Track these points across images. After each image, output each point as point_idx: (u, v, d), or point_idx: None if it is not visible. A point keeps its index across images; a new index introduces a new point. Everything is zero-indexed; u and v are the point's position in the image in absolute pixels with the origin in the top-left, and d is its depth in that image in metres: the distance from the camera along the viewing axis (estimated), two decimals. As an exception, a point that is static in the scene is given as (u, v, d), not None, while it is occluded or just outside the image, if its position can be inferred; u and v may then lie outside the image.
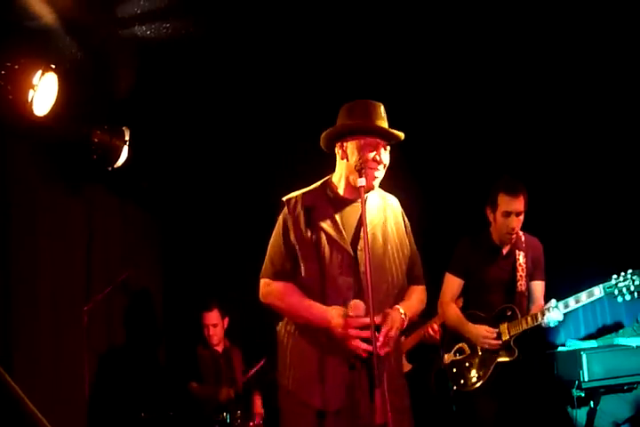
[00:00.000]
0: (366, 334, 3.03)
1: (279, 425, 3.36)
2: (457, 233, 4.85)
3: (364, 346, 3.05)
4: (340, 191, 3.34)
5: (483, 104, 5.60)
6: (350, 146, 3.25)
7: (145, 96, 5.22)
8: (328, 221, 3.24)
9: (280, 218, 3.37)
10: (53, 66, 4.41)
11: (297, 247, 3.26)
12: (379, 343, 3.06)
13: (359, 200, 3.21)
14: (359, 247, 3.21)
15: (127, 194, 5.99)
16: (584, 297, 4.14)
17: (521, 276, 4.50)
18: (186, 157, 6.03)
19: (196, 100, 5.44)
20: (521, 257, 4.53)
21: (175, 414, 5.42)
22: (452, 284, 4.67)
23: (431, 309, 5.14)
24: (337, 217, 3.26)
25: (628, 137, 5.37)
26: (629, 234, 5.28)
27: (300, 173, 3.56)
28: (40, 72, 4.32)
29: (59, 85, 4.48)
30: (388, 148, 3.28)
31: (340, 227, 3.24)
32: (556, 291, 4.37)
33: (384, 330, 3.13)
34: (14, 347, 4.57)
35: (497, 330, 4.43)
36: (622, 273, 4.05)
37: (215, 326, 5.88)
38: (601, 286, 4.09)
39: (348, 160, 3.25)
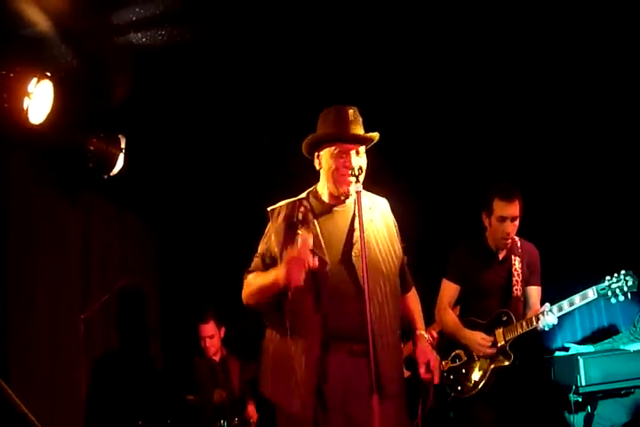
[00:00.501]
0: (303, 261, 3.01)
1: None
2: (452, 239, 4.86)
3: (296, 274, 2.99)
4: (325, 199, 3.36)
5: (479, 110, 5.60)
6: (324, 155, 3.31)
7: (141, 104, 5.22)
8: (306, 230, 3.22)
9: (267, 229, 3.40)
10: (49, 74, 4.43)
11: (278, 258, 3.27)
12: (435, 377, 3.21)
13: (343, 206, 3.32)
14: (354, 254, 3.22)
15: (123, 202, 5.99)
16: (578, 300, 4.15)
17: (517, 281, 4.51)
18: (181, 165, 6.03)
19: (192, 108, 5.43)
20: (517, 262, 4.54)
21: (173, 421, 5.41)
22: (449, 290, 4.67)
23: (428, 316, 5.16)
24: (319, 226, 3.27)
25: (622, 141, 5.38)
26: (621, 237, 5.28)
27: (297, 180, 3.55)
28: (35, 80, 4.33)
29: (54, 93, 4.49)
30: (362, 150, 3.29)
31: (319, 236, 3.23)
32: (552, 296, 4.37)
33: (432, 365, 3.22)
34: (11, 354, 4.57)
35: (492, 338, 4.43)
36: (615, 274, 4.07)
37: (212, 337, 5.86)
38: (594, 287, 4.10)
39: (324, 169, 3.32)
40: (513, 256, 4.56)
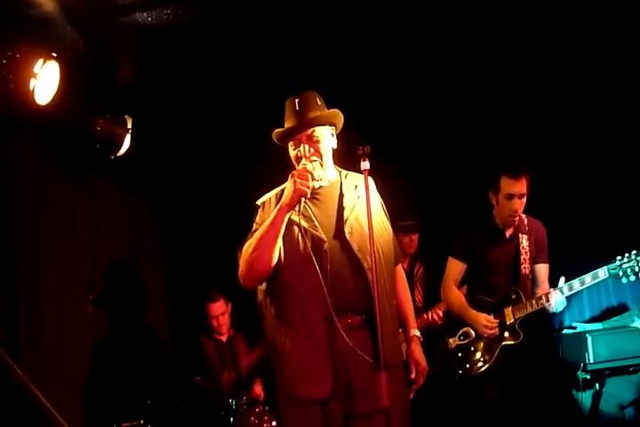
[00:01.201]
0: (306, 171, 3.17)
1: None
2: (459, 217, 4.86)
3: (304, 182, 3.13)
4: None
5: (487, 86, 5.58)
6: (289, 149, 3.43)
7: (147, 84, 5.22)
8: (300, 214, 3.24)
9: (256, 222, 3.42)
10: (55, 54, 4.41)
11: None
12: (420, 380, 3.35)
13: (330, 185, 3.40)
14: (346, 231, 3.26)
15: (130, 183, 5.99)
16: (589, 279, 4.15)
17: (524, 259, 4.51)
18: (188, 145, 6.02)
19: (198, 87, 5.42)
20: (524, 240, 4.54)
21: (181, 401, 5.44)
22: (455, 268, 4.68)
23: (436, 294, 5.17)
24: (309, 208, 3.30)
25: (630, 119, 5.35)
26: (633, 216, 5.27)
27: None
28: (41, 61, 4.32)
29: (60, 74, 4.47)
30: (318, 133, 3.35)
31: (312, 216, 3.28)
32: (562, 274, 4.36)
33: (420, 370, 3.36)
34: (20, 336, 4.59)
35: (497, 320, 4.44)
36: (626, 254, 4.06)
37: (223, 314, 5.90)
38: (605, 267, 4.10)
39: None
40: (520, 234, 4.55)
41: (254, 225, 3.41)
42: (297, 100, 3.38)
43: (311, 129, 3.35)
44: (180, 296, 6.49)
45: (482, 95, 5.65)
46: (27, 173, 4.84)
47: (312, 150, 3.33)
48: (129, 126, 5.17)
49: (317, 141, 3.35)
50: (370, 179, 3.44)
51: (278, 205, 3.21)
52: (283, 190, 3.38)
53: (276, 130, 3.41)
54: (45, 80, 4.37)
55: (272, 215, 3.21)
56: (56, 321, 4.97)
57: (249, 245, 3.27)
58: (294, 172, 3.23)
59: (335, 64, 5.22)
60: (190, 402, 5.54)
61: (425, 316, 5.35)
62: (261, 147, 5.93)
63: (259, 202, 3.48)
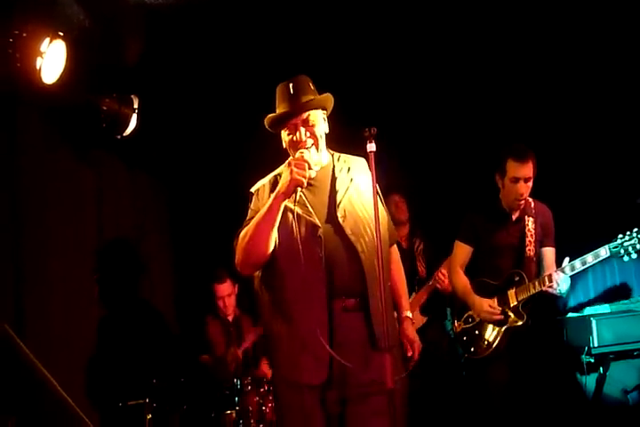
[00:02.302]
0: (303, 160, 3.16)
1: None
2: (465, 201, 4.85)
3: (301, 171, 3.13)
4: None
5: (491, 70, 5.56)
6: (282, 134, 3.39)
7: (153, 64, 5.20)
8: (293, 201, 3.24)
9: (251, 209, 3.42)
10: (61, 33, 4.40)
11: None
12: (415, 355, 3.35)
13: (322, 169, 3.37)
14: (339, 215, 3.26)
15: (136, 162, 5.98)
16: (590, 258, 4.15)
17: (530, 241, 4.50)
18: (194, 125, 6.00)
19: (205, 67, 5.41)
20: (530, 223, 4.53)
21: (186, 380, 5.47)
22: (462, 251, 4.68)
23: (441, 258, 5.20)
24: (303, 193, 3.28)
25: (633, 102, 5.31)
26: (634, 197, 5.25)
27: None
28: (48, 40, 4.32)
29: (67, 53, 4.47)
30: (313, 117, 3.33)
31: (306, 202, 3.27)
32: (566, 255, 4.36)
33: (414, 347, 3.37)
34: (26, 315, 4.61)
35: (500, 308, 4.44)
36: (627, 232, 4.07)
37: (230, 295, 5.92)
38: (607, 246, 4.10)
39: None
40: (526, 217, 4.55)
41: (249, 212, 3.41)
42: (291, 85, 3.36)
43: (307, 113, 3.33)
44: (186, 276, 6.50)
45: (489, 78, 5.63)
46: (33, 151, 4.84)
47: (308, 134, 3.32)
48: (135, 106, 5.16)
49: (313, 125, 3.33)
50: (362, 159, 3.45)
51: (274, 194, 3.20)
52: (276, 177, 3.39)
53: (270, 115, 3.37)
54: (52, 59, 4.37)
55: (267, 203, 3.21)
56: (62, 300, 4.99)
57: (245, 234, 3.28)
58: (291, 160, 3.23)
59: (338, 47, 5.20)
60: (195, 382, 5.57)
61: (430, 283, 5.36)
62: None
63: (252, 189, 3.48)
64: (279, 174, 3.40)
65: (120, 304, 5.75)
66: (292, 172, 3.13)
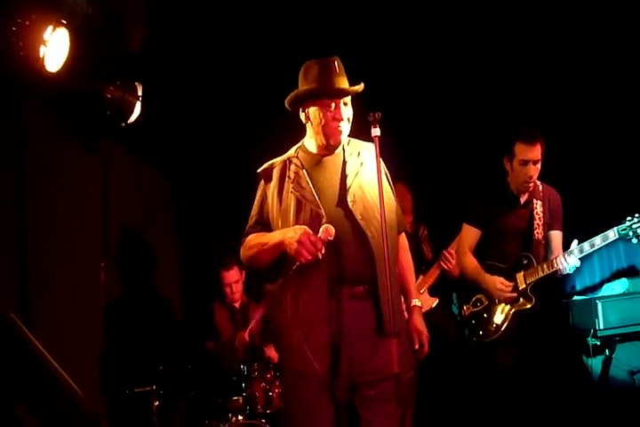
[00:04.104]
0: (316, 248, 3.08)
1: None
2: (474, 184, 4.85)
3: (307, 255, 3.07)
4: (313, 150, 3.43)
5: (499, 53, 5.55)
6: (311, 110, 3.35)
7: (157, 51, 5.19)
8: (299, 185, 3.29)
9: (258, 190, 3.46)
10: (64, 21, 4.38)
11: (271, 216, 3.35)
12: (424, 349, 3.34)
13: (333, 155, 3.39)
14: (349, 199, 3.26)
15: (141, 150, 5.99)
16: (599, 240, 4.15)
17: (538, 224, 4.51)
18: (199, 112, 6.00)
19: (209, 54, 5.40)
20: (538, 206, 4.54)
21: (193, 367, 5.49)
22: (470, 234, 4.68)
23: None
24: (309, 178, 3.31)
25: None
26: None
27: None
28: (51, 28, 4.30)
29: (70, 41, 4.45)
30: (348, 100, 3.34)
31: (311, 188, 3.28)
32: (573, 238, 4.36)
33: (422, 340, 3.35)
34: (33, 303, 4.62)
35: (512, 283, 4.45)
36: (636, 215, 4.07)
37: (237, 282, 5.93)
38: (615, 228, 4.10)
39: (311, 123, 3.36)
40: (534, 200, 4.55)
41: (256, 198, 3.45)
42: (336, 63, 3.35)
43: (351, 93, 3.35)
44: (193, 262, 6.52)
45: (497, 60, 5.61)
46: (37, 139, 4.84)
47: (347, 113, 3.33)
48: (139, 93, 5.16)
49: (349, 108, 3.36)
50: (371, 145, 3.44)
51: (280, 237, 3.19)
52: (285, 162, 3.41)
53: (319, 87, 3.30)
54: (55, 47, 4.36)
55: (274, 239, 3.23)
56: (69, 287, 5.00)
57: (249, 247, 3.37)
58: (302, 236, 3.10)
59: (344, 32, 5.20)
60: (202, 368, 5.59)
61: (438, 264, 5.37)
62: (271, 112, 5.96)
63: (260, 170, 3.48)
64: (288, 159, 3.42)
65: (127, 292, 5.76)
66: (297, 251, 3.09)
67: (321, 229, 3.12)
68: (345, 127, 3.32)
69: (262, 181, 3.45)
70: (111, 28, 4.83)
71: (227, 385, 5.46)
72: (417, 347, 3.36)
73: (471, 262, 4.64)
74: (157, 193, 6.37)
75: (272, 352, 5.75)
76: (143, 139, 5.80)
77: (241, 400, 5.33)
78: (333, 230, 3.11)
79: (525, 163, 4.42)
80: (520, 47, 5.46)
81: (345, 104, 3.32)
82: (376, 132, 3.18)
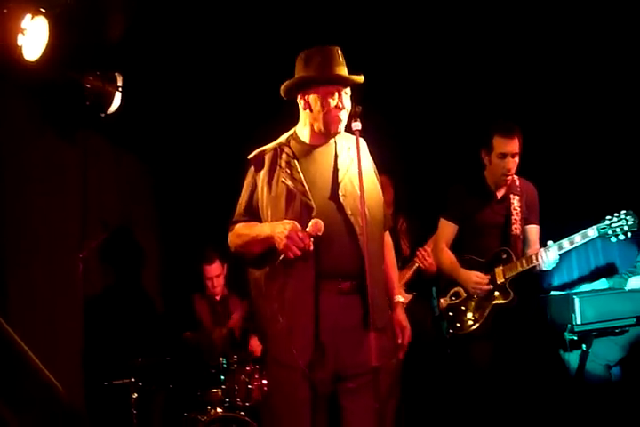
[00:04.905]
0: (304, 243, 3.07)
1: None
2: (450, 178, 4.86)
3: (295, 250, 3.07)
4: (306, 140, 3.39)
5: (477, 45, 5.55)
6: (312, 96, 3.32)
7: (138, 41, 5.16)
8: (291, 175, 3.27)
9: (247, 177, 3.43)
10: (43, 10, 4.34)
11: (260, 204, 3.33)
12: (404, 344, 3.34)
13: (324, 146, 3.37)
14: (340, 193, 3.25)
15: (121, 140, 5.95)
16: (578, 238, 4.19)
17: (515, 219, 4.53)
18: (180, 103, 5.97)
19: (190, 44, 5.37)
20: (515, 201, 4.56)
21: (172, 359, 5.47)
22: (447, 229, 4.70)
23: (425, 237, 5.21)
24: (301, 169, 3.29)
25: (619, 80, 5.31)
26: (622, 177, 5.26)
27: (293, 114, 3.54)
28: (29, 16, 4.26)
29: (49, 30, 4.41)
30: (349, 90, 3.33)
31: (302, 179, 3.26)
32: (553, 235, 4.38)
33: (405, 335, 3.35)
34: (10, 295, 4.59)
35: (488, 276, 4.48)
36: (615, 213, 4.10)
37: (218, 276, 5.93)
38: (595, 226, 4.14)
39: (311, 110, 3.33)
40: (512, 195, 4.57)
41: (245, 184, 3.42)
42: (339, 52, 3.34)
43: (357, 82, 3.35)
44: (173, 253, 6.50)
45: (475, 54, 5.61)
46: (15, 129, 4.80)
47: (347, 103, 3.31)
48: (119, 84, 5.11)
49: (348, 97, 3.34)
50: (362, 140, 3.43)
51: (269, 230, 3.18)
52: (276, 149, 3.37)
53: (325, 74, 3.29)
54: (34, 36, 4.31)
55: (264, 231, 3.21)
56: (46, 279, 4.97)
57: (237, 235, 3.35)
58: (291, 231, 3.09)
59: (325, 22, 5.18)
60: (181, 360, 5.57)
61: (415, 261, 5.36)
62: (253, 104, 5.93)
63: (250, 156, 3.45)
64: (279, 146, 3.39)
65: (106, 283, 5.74)
66: (285, 245, 3.08)
67: (310, 224, 3.10)
68: (344, 116, 3.30)
69: (252, 168, 3.41)
70: (91, 18, 4.78)
71: (206, 377, 5.45)
72: (400, 342, 3.36)
73: (447, 258, 4.66)
74: (138, 184, 6.34)
75: (255, 345, 5.76)
76: (123, 130, 5.75)
77: (220, 393, 5.33)
78: (322, 225, 3.10)
79: (503, 156, 4.44)
80: (500, 42, 5.46)
81: (345, 93, 3.31)
82: (357, 125, 3.19)
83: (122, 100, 5.09)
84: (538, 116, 5.48)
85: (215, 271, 5.91)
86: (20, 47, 4.25)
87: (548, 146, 5.43)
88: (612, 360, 4.81)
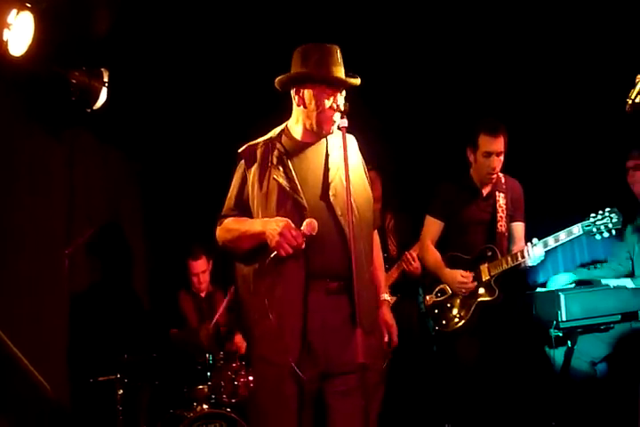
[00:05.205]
0: (297, 242, 3.06)
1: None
2: (437, 176, 4.87)
3: (287, 248, 3.06)
4: (298, 136, 3.36)
5: (463, 44, 5.56)
6: (307, 93, 3.28)
7: (124, 36, 5.13)
8: (282, 172, 3.24)
9: (236, 171, 3.40)
10: (29, 5, 4.31)
11: (251, 200, 3.30)
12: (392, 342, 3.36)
13: (315, 144, 3.34)
14: (331, 193, 3.24)
15: (108, 136, 5.92)
16: (563, 236, 4.21)
17: (501, 217, 4.56)
18: (166, 99, 5.95)
19: (176, 40, 5.35)
20: (501, 198, 4.58)
21: (158, 356, 5.46)
22: (432, 226, 4.71)
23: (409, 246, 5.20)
24: (293, 167, 3.26)
25: (603, 78, 5.33)
26: (606, 174, 5.29)
27: (283, 110, 3.53)
28: (15, 11, 4.24)
29: (35, 25, 4.39)
30: (344, 92, 3.30)
31: (294, 177, 3.24)
32: (538, 232, 4.40)
33: (391, 332, 3.37)
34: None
35: (472, 274, 4.49)
36: (600, 211, 4.12)
37: (204, 272, 5.94)
38: (579, 224, 4.16)
39: (305, 107, 3.29)
40: (497, 192, 4.59)
41: (236, 178, 3.38)
42: (339, 51, 3.31)
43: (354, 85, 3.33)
44: (159, 250, 6.48)
45: (461, 53, 5.62)
46: (1, 124, 4.77)
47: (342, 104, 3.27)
48: (105, 79, 5.09)
49: (343, 97, 3.30)
50: (352, 137, 3.42)
51: (261, 227, 3.15)
52: (268, 143, 3.34)
53: (326, 74, 3.25)
54: (19, 31, 4.30)
55: (254, 228, 3.19)
56: (32, 276, 4.95)
57: (226, 230, 3.32)
58: (284, 229, 3.07)
59: (310, 22, 5.18)
60: (167, 357, 5.57)
61: (401, 263, 5.35)
62: (240, 99, 5.92)
63: (240, 150, 3.41)
64: (270, 141, 3.36)
65: (92, 280, 5.72)
66: (278, 244, 3.06)
67: (305, 223, 3.08)
68: (338, 117, 3.27)
69: (242, 162, 3.38)
70: (77, 13, 4.76)
71: (192, 374, 5.45)
72: (386, 340, 3.37)
73: (432, 256, 4.67)
74: (124, 180, 6.31)
75: (239, 342, 5.76)
76: (110, 125, 5.73)
77: (206, 389, 5.33)
78: (317, 225, 3.08)
79: (489, 155, 4.46)
80: (485, 40, 5.48)
81: (341, 95, 3.28)
82: (343, 122, 3.18)
83: (108, 95, 5.07)
84: (524, 115, 5.50)
85: (201, 267, 5.91)
86: (6, 42, 4.23)
87: (533, 144, 5.46)
88: (596, 357, 4.84)
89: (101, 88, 5.05)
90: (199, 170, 6.28)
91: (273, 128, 3.47)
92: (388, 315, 3.43)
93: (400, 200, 5.79)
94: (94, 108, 5.07)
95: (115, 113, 5.35)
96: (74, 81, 4.92)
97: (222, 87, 5.82)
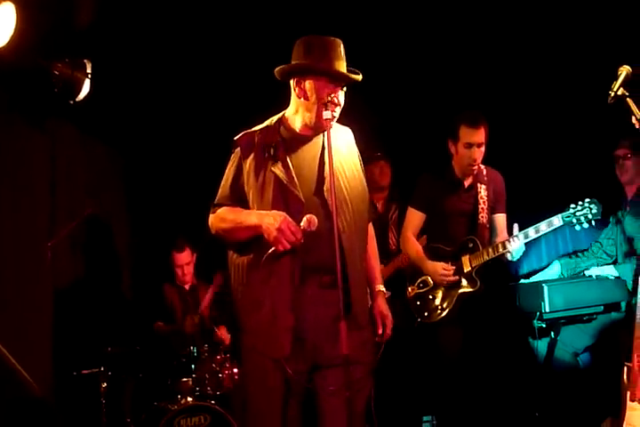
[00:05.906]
0: (296, 238, 3.05)
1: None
2: (418, 167, 4.87)
3: (286, 243, 3.04)
4: (296, 128, 3.32)
5: (445, 37, 5.57)
6: (308, 85, 3.23)
7: (107, 27, 5.10)
8: (280, 164, 3.21)
9: (232, 159, 3.35)
10: (10, -5, 4.28)
11: (246, 190, 3.26)
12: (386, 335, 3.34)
13: (315, 137, 3.30)
14: (325, 188, 3.20)
15: (91, 128, 5.90)
16: (544, 227, 4.22)
17: (482, 208, 4.56)
18: (149, 90, 5.92)
19: (160, 31, 5.33)
20: (482, 190, 4.59)
21: (142, 348, 5.46)
22: (414, 218, 4.71)
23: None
24: (290, 159, 3.23)
25: (585, 71, 5.35)
26: (588, 165, 5.31)
27: (269, 103, 3.51)
28: (-3, 2, 4.20)
29: (17, 16, 4.34)
30: (345, 88, 3.27)
31: (291, 170, 3.21)
32: (518, 223, 4.41)
33: (386, 325, 3.35)
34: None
35: (454, 267, 4.50)
36: (579, 202, 4.13)
37: (188, 264, 5.94)
38: (559, 215, 4.17)
39: (306, 99, 3.24)
40: (479, 184, 4.60)
41: (231, 166, 3.33)
42: (341, 46, 3.26)
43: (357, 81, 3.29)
44: (143, 243, 6.47)
45: (442, 46, 5.63)
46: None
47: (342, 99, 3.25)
48: (88, 71, 5.05)
49: (344, 92, 3.28)
50: (348, 129, 3.42)
51: (257, 220, 3.12)
52: (265, 133, 3.30)
53: (331, 69, 3.19)
54: (1, 22, 4.26)
55: (250, 220, 3.16)
56: (14, 268, 4.93)
57: (221, 219, 3.28)
58: (284, 224, 3.04)
59: (301, 20, 5.17)
60: (151, 349, 5.56)
61: (397, 260, 5.35)
62: (225, 90, 5.90)
63: (237, 137, 3.36)
64: (266, 129, 3.32)
65: (75, 272, 5.70)
66: (277, 239, 3.04)
67: (304, 219, 3.06)
68: (337, 113, 3.23)
69: (238, 149, 3.33)
70: (59, 3, 4.73)
71: (176, 367, 5.45)
72: (380, 331, 3.36)
73: (413, 248, 4.68)
74: (107, 172, 6.30)
75: (224, 334, 5.76)
76: (93, 117, 5.70)
77: (190, 382, 5.33)
78: (316, 221, 3.06)
79: (470, 146, 4.47)
80: (467, 33, 5.49)
81: (342, 90, 3.25)
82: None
83: (91, 87, 5.04)
84: (505, 107, 5.51)
85: (185, 259, 5.91)
86: (-13, 33, 4.19)
87: (514, 135, 5.47)
88: (579, 348, 4.88)
89: (84, 79, 5.00)
90: (183, 162, 6.27)
91: (256, 123, 3.41)
92: (383, 306, 3.41)
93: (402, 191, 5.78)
94: (77, 99, 5.03)
95: (98, 105, 5.32)
96: (56, 72, 4.88)
97: (206, 79, 5.80)
